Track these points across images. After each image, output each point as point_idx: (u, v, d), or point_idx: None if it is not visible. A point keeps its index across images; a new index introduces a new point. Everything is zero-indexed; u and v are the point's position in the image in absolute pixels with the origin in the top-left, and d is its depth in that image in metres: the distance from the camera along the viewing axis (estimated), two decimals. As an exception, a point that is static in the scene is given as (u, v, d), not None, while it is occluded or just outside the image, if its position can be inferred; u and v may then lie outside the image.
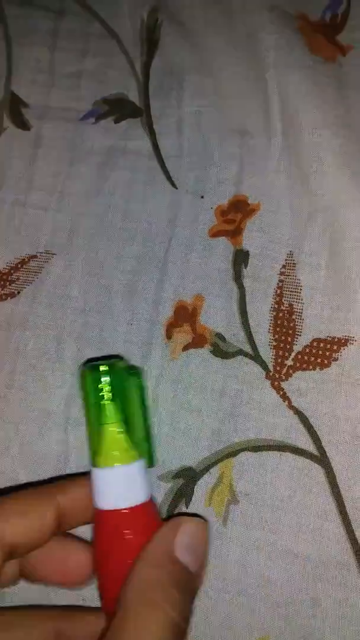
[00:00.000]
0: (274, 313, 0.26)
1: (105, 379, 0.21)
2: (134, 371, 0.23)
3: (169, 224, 0.28)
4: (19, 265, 0.29)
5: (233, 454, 0.25)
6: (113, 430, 0.21)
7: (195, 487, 0.24)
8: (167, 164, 0.30)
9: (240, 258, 0.27)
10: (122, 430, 0.21)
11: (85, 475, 0.21)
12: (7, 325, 0.28)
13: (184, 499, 0.24)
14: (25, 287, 0.29)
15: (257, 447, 0.24)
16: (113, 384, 0.21)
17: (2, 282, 0.29)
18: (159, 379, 0.26)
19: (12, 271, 0.29)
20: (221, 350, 0.26)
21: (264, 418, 0.25)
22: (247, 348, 0.26)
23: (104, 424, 0.21)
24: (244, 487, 0.24)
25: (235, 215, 0.28)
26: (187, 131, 0.30)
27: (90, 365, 0.21)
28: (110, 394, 0.21)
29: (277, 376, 0.25)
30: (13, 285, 0.29)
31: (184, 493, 0.24)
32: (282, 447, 0.24)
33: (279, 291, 0.26)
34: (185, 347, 0.26)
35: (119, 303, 0.27)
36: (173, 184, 0.29)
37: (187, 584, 0.19)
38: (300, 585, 0.23)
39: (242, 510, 0.24)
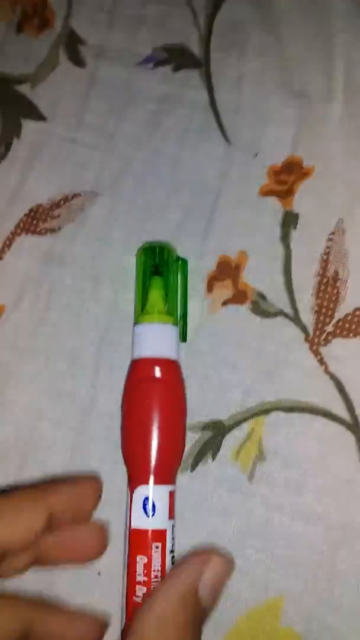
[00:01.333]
0: (319, 278, 0.26)
1: (156, 257, 0.25)
2: (181, 260, 0.26)
3: (219, 178, 0.28)
4: (62, 202, 0.28)
5: (265, 412, 0.24)
6: (156, 297, 0.24)
7: (224, 440, 0.24)
8: (223, 119, 0.29)
9: (290, 220, 0.27)
10: (163, 298, 0.24)
11: (77, 476, 0.24)
12: (45, 260, 0.28)
13: (210, 452, 0.24)
14: (66, 225, 0.28)
15: (289, 408, 0.24)
16: (161, 263, 0.25)
17: (43, 217, 0.28)
18: (196, 331, 0.26)
19: (54, 207, 0.28)
20: (261, 309, 0.26)
21: (299, 380, 0.25)
22: (288, 310, 0.26)
23: (149, 291, 0.24)
24: (272, 446, 0.24)
25: (287, 176, 0.27)
26: (246, 88, 0.29)
27: (147, 245, 0.26)
28: (158, 269, 0.25)
29: (316, 341, 0.25)
30: (54, 221, 0.28)
31: (211, 445, 0.24)
32: (315, 411, 0.24)
33: (325, 257, 0.26)
34: (225, 302, 0.26)
35: (161, 251, 0.27)
36: (227, 139, 0.29)
37: (202, 619, 0.19)
38: (321, 548, 0.23)
39: (268, 468, 0.24)
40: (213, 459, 0.24)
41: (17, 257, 0.28)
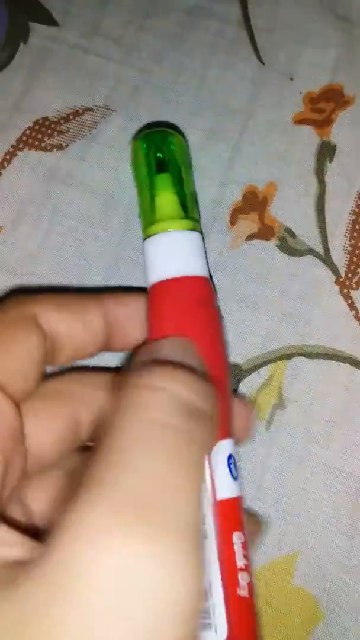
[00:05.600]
0: (354, 217, 0.23)
1: (159, 148, 0.20)
2: (178, 137, 0.21)
3: (249, 101, 0.25)
4: (71, 116, 0.25)
5: (287, 356, 0.22)
6: (167, 199, 0.19)
7: (240, 385, 0.22)
8: (257, 37, 0.26)
9: (326, 151, 0.24)
10: (176, 198, 0.19)
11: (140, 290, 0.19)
12: (49, 179, 0.25)
13: (226, 396, 0.22)
14: (75, 141, 0.25)
15: (314, 354, 0.22)
16: (165, 155, 0.20)
17: (49, 131, 0.25)
18: (216, 266, 0.23)
19: (62, 121, 0.25)
20: (289, 246, 0.23)
21: (326, 325, 0.22)
22: (319, 248, 0.23)
23: (157, 195, 0.19)
24: (294, 394, 0.22)
25: (326, 104, 0.25)
26: (284, 5, 0.26)
27: (144, 135, 0.20)
28: (163, 164, 0.20)
29: (347, 283, 0.23)
30: (62, 136, 0.25)
31: (227, 390, 0.22)
32: (342, 358, 0.22)
33: (362, 194, 0.24)
34: (250, 237, 0.24)
35: (181, 177, 0.24)
36: (260, 60, 0.26)
37: None
38: (340, 504, 0.21)
39: (288, 417, 0.22)
40: (228, 404, 0.22)
41: (17, 174, 0.25)
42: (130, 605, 0.10)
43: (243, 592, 0.15)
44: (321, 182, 0.24)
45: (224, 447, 0.17)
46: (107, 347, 0.18)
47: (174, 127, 0.24)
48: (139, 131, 0.23)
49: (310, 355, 0.22)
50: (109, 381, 0.18)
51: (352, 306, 0.23)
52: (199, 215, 0.21)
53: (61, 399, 0.18)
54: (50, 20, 0.27)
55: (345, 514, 0.21)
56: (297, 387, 0.22)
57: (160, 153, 0.20)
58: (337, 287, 0.23)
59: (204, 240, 0.19)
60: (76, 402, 0.18)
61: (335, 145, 0.24)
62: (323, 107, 0.25)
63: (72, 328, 0.17)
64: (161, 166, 0.19)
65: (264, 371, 0.22)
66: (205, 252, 0.19)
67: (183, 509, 0.11)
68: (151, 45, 0.26)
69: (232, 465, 0.17)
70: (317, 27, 0.26)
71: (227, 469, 0.16)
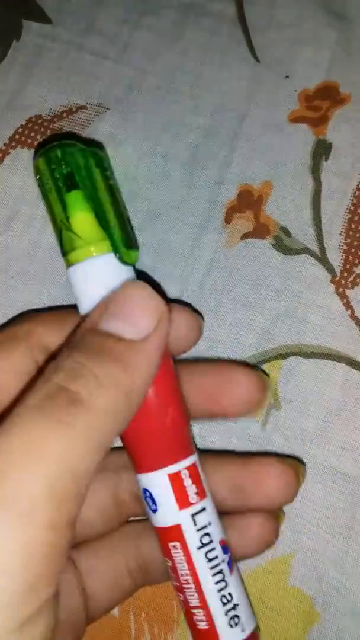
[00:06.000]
0: (349, 215, 0.23)
1: (63, 163, 0.17)
2: (94, 149, 0.18)
3: (244, 100, 0.25)
4: (65, 115, 0.25)
5: (282, 356, 0.22)
6: (81, 220, 0.17)
7: (236, 385, 0.22)
8: (252, 35, 0.26)
9: (322, 149, 0.24)
10: (92, 219, 0.17)
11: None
12: (42, 178, 0.24)
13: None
14: (69, 139, 0.25)
15: (310, 354, 0.22)
16: (74, 167, 0.17)
17: (42, 130, 0.25)
18: (210, 266, 0.23)
19: (55, 119, 0.25)
20: (284, 245, 0.23)
21: (322, 324, 0.22)
22: (315, 247, 0.23)
23: (71, 216, 0.17)
24: (289, 394, 0.22)
25: (321, 102, 0.25)
26: (279, 1, 0.26)
27: (44, 151, 0.18)
28: (72, 180, 0.17)
29: (343, 282, 0.23)
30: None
31: (222, 390, 0.22)
32: (337, 358, 0.22)
33: (358, 193, 0.24)
34: (244, 236, 0.23)
35: (176, 176, 0.24)
36: (256, 57, 0.26)
37: (117, 350, 0.15)
38: (336, 504, 0.21)
39: (283, 417, 0.21)
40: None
41: (10, 173, 0.25)
42: None
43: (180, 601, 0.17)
44: (317, 181, 0.24)
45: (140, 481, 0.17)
46: None
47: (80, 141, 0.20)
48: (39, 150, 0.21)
49: (306, 354, 0.22)
50: (73, 321, 0.18)
51: (347, 305, 0.22)
52: (128, 224, 0.19)
53: (17, 343, 0.18)
54: (43, 18, 0.27)
55: (341, 514, 0.20)
56: (292, 387, 0.22)
57: (66, 168, 0.17)
58: (332, 287, 0.23)
59: (126, 256, 0.17)
60: (33, 346, 0.18)
61: (330, 144, 0.24)
62: (318, 105, 0.25)
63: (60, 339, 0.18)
64: (70, 183, 0.17)
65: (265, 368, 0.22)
66: (135, 268, 0.18)
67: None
68: (146, 43, 0.26)
69: (147, 499, 0.17)
70: (312, 24, 0.26)
71: (144, 501, 0.17)
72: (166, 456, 0.17)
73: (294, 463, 0.19)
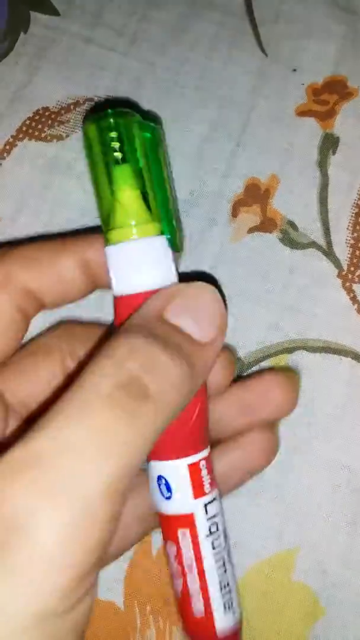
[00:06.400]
0: (357, 210, 0.23)
1: (115, 134, 0.16)
2: (152, 125, 0.17)
3: (252, 93, 0.25)
4: (72, 107, 0.25)
5: (288, 350, 0.22)
6: (128, 197, 0.16)
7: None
8: (260, 28, 0.26)
9: (329, 143, 0.24)
10: (139, 197, 0.16)
11: None
12: (49, 171, 0.24)
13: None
14: (75, 132, 0.25)
15: (316, 348, 0.22)
16: (126, 141, 0.16)
17: (49, 122, 0.25)
18: (217, 259, 0.23)
19: (62, 111, 0.25)
20: (291, 239, 0.23)
21: (328, 319, 0.22)
22: (321, 242, 0.23)
23: (116, 191, 0.16)
24: (295, 388, 0.22)
25: (329, 96, 0.25)
26: (288, -4, 0.26)
27: (97, 117, 0.16)
28: (123, 154, 0.16)
29: (349, 277, 0.23)
30: (62, 127, 0.25)
31: (227, 383, 0.22)
32: (343, 352, 0.22)
33: (365, 187, 0.23)
34: (251, 230, 0.23)
35: (183, 170, 0.24)
36: (263, 51, 0.25)
37: (188, 350, 0.14)
38: (341, 499, 0.21)
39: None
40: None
41: (17, 165, 0.25)
42: None
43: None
44: (324, 175, 0.24)
45: (155, 469, 0.17)
46: (97, 286, 0.18)
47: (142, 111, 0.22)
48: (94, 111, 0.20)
49: (312, 349, 0.22)
50: (100, 334, 0.19)
51: (354, 300, 0.22)
52: (175, 209, 0.18)
53: (50, 353, 0.18)
54: (51, 10, 0.27)
55: (347, 509, 0.20)
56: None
57: (118, 140, 0.16)
58: (339, 281, 0.23)
59: (179, 231, 0.17)
60: (65, 356, 0.18)
61: (338, 138, 0.24)
62: (326, 98, 0.25)
63: (44, 283, 0.17)
64: (121, 156, 0.16)
65: (266, 365, 0.22)
66: (174, 256, 0.17)
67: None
68: (154, 36, 0.26)
69: (161, 486, 0.17)
70: (320, 18, 0.26)
71: (157, 488, 0.17)
72: (190, 446, 0.17)
73: (291, 373, 0.20)
